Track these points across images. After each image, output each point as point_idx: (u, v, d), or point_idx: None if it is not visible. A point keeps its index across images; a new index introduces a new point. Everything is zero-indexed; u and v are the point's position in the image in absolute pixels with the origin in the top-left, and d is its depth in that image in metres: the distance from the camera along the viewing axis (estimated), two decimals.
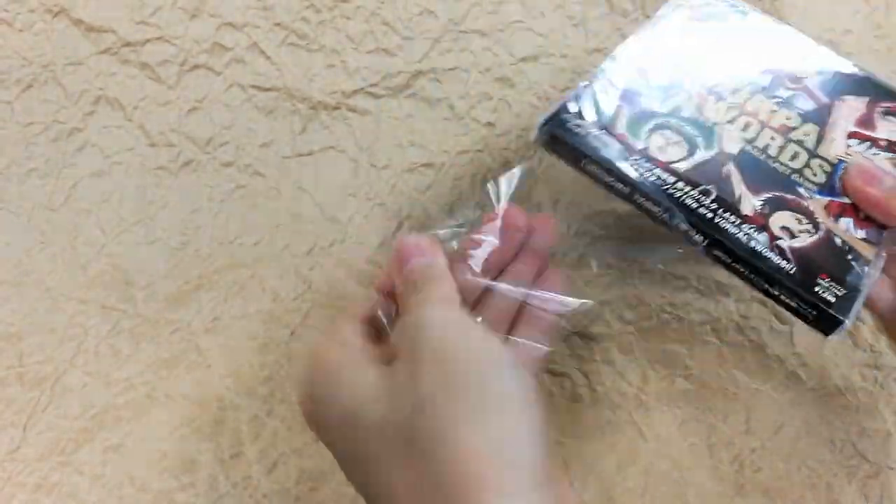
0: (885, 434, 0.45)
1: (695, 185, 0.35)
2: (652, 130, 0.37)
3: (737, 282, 0.46)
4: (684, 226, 0.34)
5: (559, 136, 0.36)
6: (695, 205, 0.34)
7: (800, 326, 0.45)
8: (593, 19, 0.51)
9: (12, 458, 0.41)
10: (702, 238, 0.34)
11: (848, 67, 0.42)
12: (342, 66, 0.49)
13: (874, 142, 0.38)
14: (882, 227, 0.36)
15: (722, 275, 0.46)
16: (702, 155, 0.36)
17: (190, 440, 0.42)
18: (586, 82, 0.39)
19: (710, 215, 0.34)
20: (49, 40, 0.46)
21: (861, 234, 0.35)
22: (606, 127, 0.37)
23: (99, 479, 0.41)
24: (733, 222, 0.34)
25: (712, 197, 0.35)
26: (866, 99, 0.40)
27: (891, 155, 0.38)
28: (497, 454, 0.27)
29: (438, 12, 0.50)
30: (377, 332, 0.35)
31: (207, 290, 0.45)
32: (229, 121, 0.48)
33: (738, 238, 0.34)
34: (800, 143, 0.38)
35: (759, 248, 0.34)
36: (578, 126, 0.37)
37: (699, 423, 0.45)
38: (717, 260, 0.35)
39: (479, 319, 0.35)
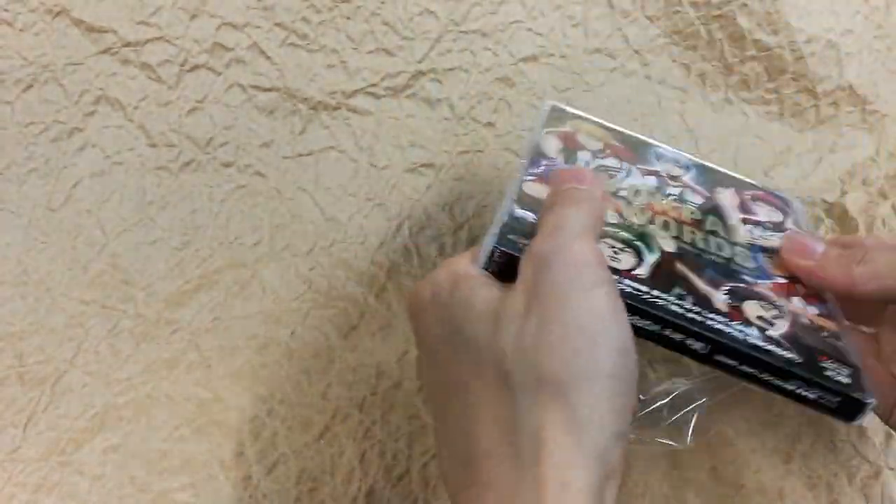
0: (885, 434, 0.45)
1: (667, 289, 0.32)
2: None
3: None
4: (678, 336, 0.31)
5: (514, 258, 0.32)
6: (680, 310, 0.31)
7: None
8: (593, 19, 0.51)
9: (12, 458, 0.41)
10: (703, 345, 0.31)
11: (700, 161, 0.43)
12: (342, 66, 0.49)
13: (763, 224, 0.40)
14: (823, 299, 0.35)
15: None
16: (651, 258, 0.34)
17: (190, 440, 0.42)
18: (513, 197, 0.35)
19: (699, 318, 0.31)
20: (49, 40, 0.46)
21: (814, 309, 0.34)
22: None
23: (99, 479, 0.41)
24: (722, 321, 0.31)
25: (691, 299, 0.32)
26: (732, 189, 0.42)
27: (780, 233, 0.39)
28: (583, 428, 0.26)
29: (439, 12, 0.50)
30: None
31: (208, 291, 0.45)
32: (230, 121, 0.48)
33: (736, 336, 0.31)
34: (714, 233, 0.38)
35: (759, 342, 0.31)
36: (526, 244, 0.32)
37: (699, 424, 0.45)
38: (722, 366, 0.31)
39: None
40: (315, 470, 0.43)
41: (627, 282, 0.32)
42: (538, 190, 0.36)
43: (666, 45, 0.51)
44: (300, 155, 0.48)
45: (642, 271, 0.33)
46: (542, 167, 0.38)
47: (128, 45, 0.47)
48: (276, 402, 0.43)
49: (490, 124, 0.50)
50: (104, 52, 0.47)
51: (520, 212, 0.34)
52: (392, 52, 0.50)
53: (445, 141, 0.50)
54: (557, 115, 0.44)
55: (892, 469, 0.44)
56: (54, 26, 0.46)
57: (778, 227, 0.40)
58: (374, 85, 0.49)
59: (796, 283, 0.36)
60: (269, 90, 0.48)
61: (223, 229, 0.46)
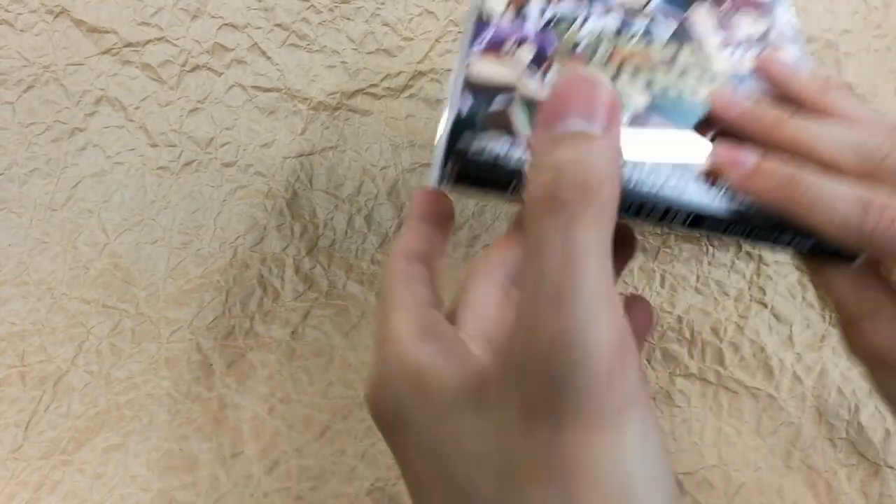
0: (884, 433, 0.45)
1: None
2: None
3: (734, 281, 0.46)
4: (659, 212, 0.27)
5: (472, 169, 0.27)
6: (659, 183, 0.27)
7: (798, 326, 0.46)
8: None
9: (14, 456, 0.41)
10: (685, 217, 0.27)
11: None
12: (343, 66, 0.49)
13: (744, 43, 0.35)
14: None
15: (721, 274, 0.46)
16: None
17: (191, 439, 0.42)
18: (459, 85, 0.30)
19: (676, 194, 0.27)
20: (50, 41, 0.46)
21: None
22: (509, 131, 0.28)
23: (100, 478, 0.41)
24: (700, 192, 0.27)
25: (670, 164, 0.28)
26: (707, 3, 0.36)
27: (753, 51, 0.34)
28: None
29: (438, 13, 0.50)
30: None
31: (208, 290, 0.46)
32: (230, 121, 0.48)
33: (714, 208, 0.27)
34: (692, 68, 0.33)
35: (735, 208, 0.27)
36: (486, 147, 0.27)
37: (699, 423, 0.45)
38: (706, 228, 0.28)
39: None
40: (316, 468, 0.43)
41: None
42: (491, 69, 0.31)
43: None
44: (301, 155, 0.48)
45: None
46: (490, 35, 0.33)
47: (129, 45, 0.47)
48: (277, 400, 0.44)
49: None
50: (105, 52, 0.47)
51: (469, 102, 0.29)
52: (392, 53, 0.50)
53: None
54: None
55: (891, 468, 0.44)
56: (55, 27, 0.46)
57: (762, 40, 0.35)
58: (374, 85, 0.50)
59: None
60: (270, 90, 0.48)
61: (224, 229, 0.47)
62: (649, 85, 0.32)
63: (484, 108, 0.29)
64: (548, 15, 0.35)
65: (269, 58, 0.48)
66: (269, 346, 0.45)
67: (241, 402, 0.43)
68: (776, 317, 0.46)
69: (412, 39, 0.50)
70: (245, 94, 0.48)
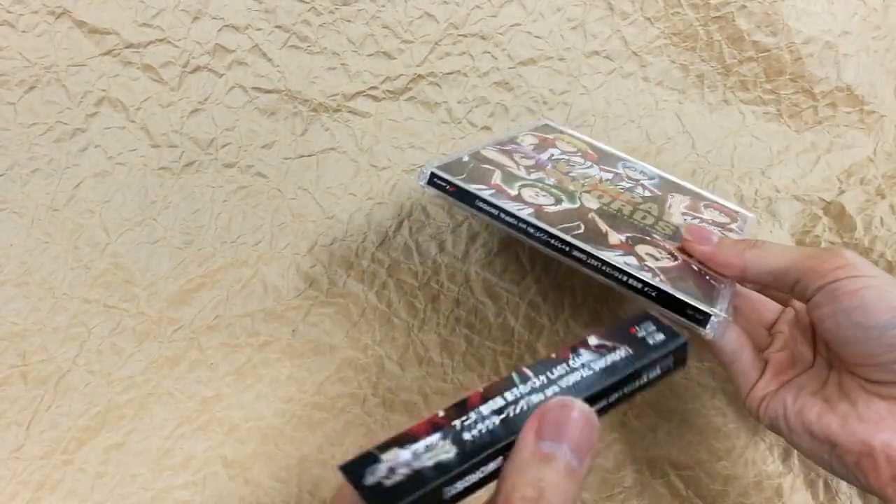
0: None
1: (561, 223, 0.38)
2: (522, 187, 0.40)
3: None
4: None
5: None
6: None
7: None
8: (593, 21, 0.52)
9: (15, 456, 0.41)
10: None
11: (668, 176, 0.48)
12: (343, 68, 0.50)
13: (704, 221, 0.44)
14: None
15: None
16: (567, 205, 0.40)
17: (192, 438, 0.42)
18: (469, 150, 0.43)
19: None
20: (52, 42, 0.47)
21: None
22: (482, 181, 0.39)
23: (101, 477, 0.41)
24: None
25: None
26: (689, 196, 0.46)
27: (717, 229, 0.43)
28: None
29: (438, 16, 0.50)
30: None
31: (209, 289, 0.46)
32: (231, 122, 0.48)
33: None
34: (647, 211, 0.42)
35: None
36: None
37: (699, 422, 0.45)
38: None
39: None
40: (316, 467, 0.43)
41: (532, 209, 0.38)
42: (494, 155, 0.43)
43: (665, 46, 0.52)
44: (301, 156, 0.49)
45: (552, 209, 0.39)
46: (510, 147, 0.45)
47: (130, 46, 0.47)
48: (278, 399, 0.44)
49: (486, 128, 0.50)
50: (106, 53, 0.47)
51: (467, 158, 0.41)
52: (392, 55, 0.50)
53: (444, 143, 0.50)
54: (546, 128, 0.49)
55: None
56: (57, 28, 0.47)
57: (718, 226, 0.43)
58: (374, 87, 0.50)
59: None
60: (271, 92, 0.49)
61: (225, 229, 0.47)
62: (605, 203, 0.41)
63: (471, 164, 0.41)
64: (558, 157, 0.46)
65: (269, 59, 0.49)
66: (269, 345, 0.45)
67: (241, 400, 0.44)
68: None
69: (412, 42, 0.50)
70: (246, 96, 0.48)
